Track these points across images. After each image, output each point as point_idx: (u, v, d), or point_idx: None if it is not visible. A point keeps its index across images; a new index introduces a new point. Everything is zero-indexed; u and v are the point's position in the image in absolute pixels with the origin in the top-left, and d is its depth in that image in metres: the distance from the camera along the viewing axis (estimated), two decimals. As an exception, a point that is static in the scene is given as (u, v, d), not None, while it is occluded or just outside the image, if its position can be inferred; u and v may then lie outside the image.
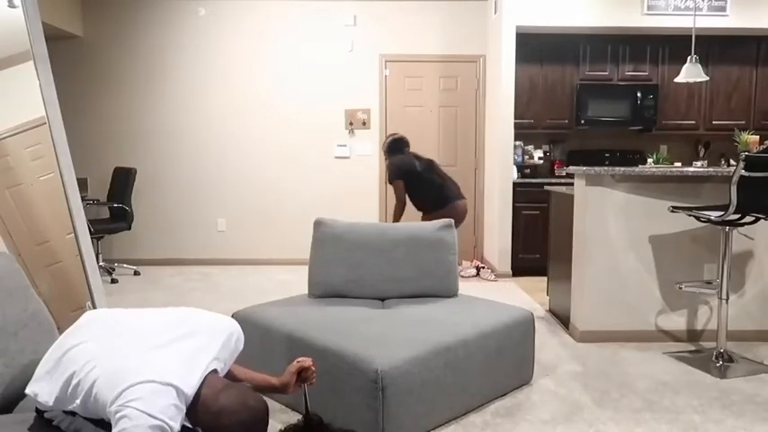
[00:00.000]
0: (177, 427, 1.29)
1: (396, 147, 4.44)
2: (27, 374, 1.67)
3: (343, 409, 2.15)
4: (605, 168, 3.24)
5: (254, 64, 5.79)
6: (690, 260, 3.33)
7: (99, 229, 4.92)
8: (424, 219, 4.33)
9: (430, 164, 4.44)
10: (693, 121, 5.51)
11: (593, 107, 5.41)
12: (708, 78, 4.31)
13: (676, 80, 4.38)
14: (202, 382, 1.38)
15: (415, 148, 5.88)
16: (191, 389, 1.34)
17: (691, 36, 4.43)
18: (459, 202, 4.35)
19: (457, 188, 4.44)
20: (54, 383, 1.41)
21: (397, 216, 4.34)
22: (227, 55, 5.78)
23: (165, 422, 1.26)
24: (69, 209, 2.61)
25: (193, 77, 5.80)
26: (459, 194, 4.41)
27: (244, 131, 5.85)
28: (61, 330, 2.15)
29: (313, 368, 1.74)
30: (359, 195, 5.89)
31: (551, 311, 4.03)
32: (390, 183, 4.38)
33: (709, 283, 3.19)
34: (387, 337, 2.24)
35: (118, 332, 1.47)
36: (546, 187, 4.21)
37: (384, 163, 5.85)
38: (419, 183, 4.32)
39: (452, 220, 2.96)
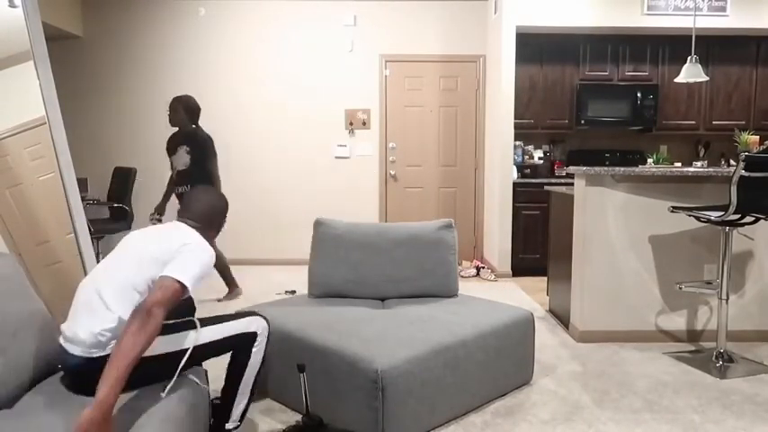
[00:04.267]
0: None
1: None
2: (26, 374, 1.67)
3: (343, 409, 2.15)
4: (605, 168, 3.24)
5: (254, 64, 5.79)
6: (690, 260, 3.33)
7: (99, 229, 4.92)
8: None
9: None
10: (693, 121, 5.51)
11: (593, 107, 5.41)
12: (708, 78, 4.31)
13: (676, 80, 4.38)
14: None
15: (415, 147, 5.92)
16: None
17: (691, 36, 4.43)
18: None
19: None
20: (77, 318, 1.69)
21: None
22: (227, 55, 5.78)
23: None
24: (69, 209, 2.61)
25: (193, 77, 5.80)
26: None
27: (244, 131, 5.85)
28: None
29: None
30: (359, 195, 5.89)
31: (551, 311, 4.03)
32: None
33: (709, 283, 3.19)
34: (387, 337, 2.24)
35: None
36: (546, 187, 4.21)
37: (385, 163, 5.86)
38: None
39: (451, 219, 2.96)
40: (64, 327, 1.71)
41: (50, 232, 2.62)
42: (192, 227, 1.93)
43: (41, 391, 1.66)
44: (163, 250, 1.74)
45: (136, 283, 1.69)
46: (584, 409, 2.47)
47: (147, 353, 1.55)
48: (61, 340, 1.70)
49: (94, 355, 1.61)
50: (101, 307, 1.65)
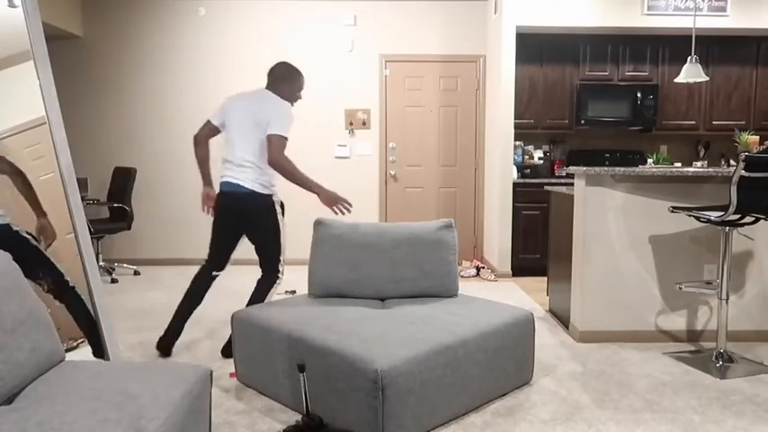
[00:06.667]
0: None
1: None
2: (24, 371, 1.67)
3: (343, 409, 2.15)
4: (605, 168, 3.24)
5: (254, 63, 5.79)
6: (690, 260, 3.33)
7: (99, 229, 4.92)
8: None
9: None
10: (693, 122, 5.51)
11: (593, 107, 5.41)
12: (708, 78, 4.31)
13: (676, 80, 4.38)
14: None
15: (415, 147, 5.93)
16: None
17: (691, 36, 4.44)
18: None
19: None
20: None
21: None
22: (227, 55, 5.79)
23: None
24: (69, 209, 2.61)
25: (193, 77, 5.80)
26: None
27: (244, 131, 5.85)
28: (60, 330, 2.15)
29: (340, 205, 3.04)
30: (359, 195, 5.89)
31: (551, 311, 4.03)
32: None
33: (709, 283, 3.19)
34: (387, 337, 2.24)
35: None
36: (546, 187, 4.21)
37: (385, 163, 5.85)
38: None
39: (451, 219, 2.96)
40: (230, 174, 3.26)
41: (50, 232, 2.62)
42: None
43: (40, 388, 1.66)
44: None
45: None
46: (584, 409, 2.47)
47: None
48: (231, 180, 3.23)
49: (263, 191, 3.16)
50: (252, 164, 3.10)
